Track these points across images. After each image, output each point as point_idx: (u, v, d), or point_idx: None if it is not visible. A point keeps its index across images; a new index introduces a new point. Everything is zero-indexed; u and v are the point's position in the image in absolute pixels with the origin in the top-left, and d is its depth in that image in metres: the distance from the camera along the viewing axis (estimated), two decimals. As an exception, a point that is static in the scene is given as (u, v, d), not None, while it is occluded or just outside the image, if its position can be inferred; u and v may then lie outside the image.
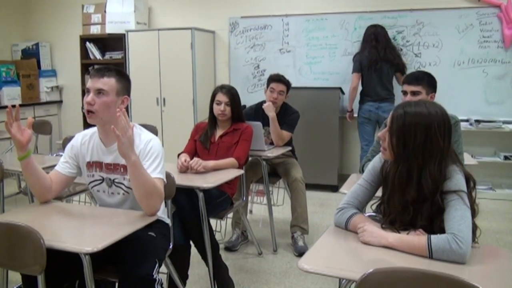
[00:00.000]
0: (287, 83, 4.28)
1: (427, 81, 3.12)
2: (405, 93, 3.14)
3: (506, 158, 5.67)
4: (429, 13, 5.87)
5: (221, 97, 3.65)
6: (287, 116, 4.26)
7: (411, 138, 1.91)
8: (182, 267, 3.06)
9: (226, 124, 3.71)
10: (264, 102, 4.25)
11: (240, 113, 3.76)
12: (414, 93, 3.07)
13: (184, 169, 3.33)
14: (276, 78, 4.27)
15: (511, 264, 1.81)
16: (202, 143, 3.64)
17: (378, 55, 5.55)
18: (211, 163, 3.38)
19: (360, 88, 5.75)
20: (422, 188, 1.92)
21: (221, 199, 3.44)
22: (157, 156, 2.44)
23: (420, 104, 1.98)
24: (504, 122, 5.57)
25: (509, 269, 1.78)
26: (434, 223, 1.91)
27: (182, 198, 3.00)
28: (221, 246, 4.10)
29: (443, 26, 5.84)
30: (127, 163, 2.28)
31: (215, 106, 3.67)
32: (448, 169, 1.93)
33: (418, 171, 1.92)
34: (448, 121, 1.94)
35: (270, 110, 4.11)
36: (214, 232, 3.92)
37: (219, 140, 3.65)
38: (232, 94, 3.68)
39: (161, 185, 2.39)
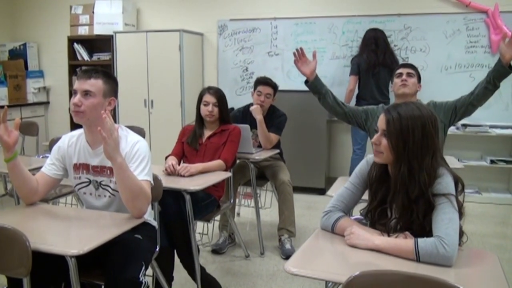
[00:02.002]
0: (274, 86, 4.29)
1: (417, 71, 3.47)
2: (400, 75, 3.40)
3: (492, 162, 5.71)
4: (416, 18, 5.90)
5: (208, 98, 3.66)
6: (274, 119, 4.27)
7: (410, 137, 1.93)
8: (166, 268, 3.04)
9: (214, 126, 3.71)
10: (251, 104, 4.25)
11: (227, 115, 3.76)
12: (409, 74, 3.38)
13: (170, 172, 3.32)
14: (263, 81, 4.28)
15: (496, 267, 1.82)
16: (189, 145, 3.64)
17: (377, 60, 5.54)
18: (199, 166, 3.37)
19: (356, 91, 5.76)
20: (420, 184, 1.94)
21: (206, 202, 3.42)
22: (143, 158, 2.43)
23: (409, 105, 2.01)
24: (491, 127, 5.62)
25: (494, 272, 1.79)
26: (426, 220, 1.93)
27: (166, 200, 2.98)
28: (208, 248, 4.11)
29: (431, 31, 5.88)
30: (113, 165, 2.27)
31: (202, 107, 3.67)
32: (438, 170, 1.96)
33: (418, 167, 1.94)
34: (436, 118, 1.99)
35: (257, 113, 4.12)
36: (201, 235, 3.92)
37: (207, 141, 3.65)
38: (219, 95, 3.69)
39: (148, 187, 2.38)
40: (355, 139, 5.73)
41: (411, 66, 3.46)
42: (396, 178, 1.99)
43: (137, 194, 2.29)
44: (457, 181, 2.00)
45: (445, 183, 1.93)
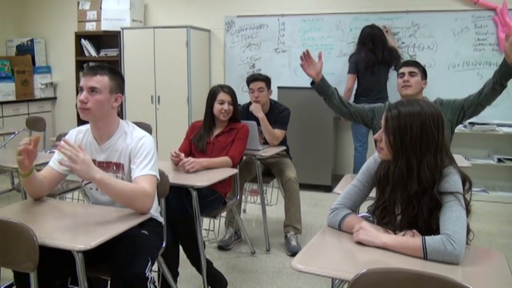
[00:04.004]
0: (264, 79, 4.29)
1: (422, 68, 3.37)
2: (402, 75, 3.32)
3: (499, 160, 5.68)
4: (424, 15, 5.88)
5: (224, 96, 3.65)
6: (277, 115, 4.26)
7: (407, 133, 1.94)
8: (171, 264, 3.04)
9: (223, 124, 3.71)
10: (250, 103, 4.27)
11: (238, 113, 3.77)
12: (411, 73, 3.29)
13: (177, 162, 3.33)
14: (252, 78, 4.31)
15: (503, 266, 1.81)
16: (196, 145, 3.63)
17: (376, 59, 5.53)
18: (204, 162, 3.37)
19: (354, 88, 5.75)
20: (422, 181, 1.94)
21: (211, 198, 3.41)
22: (148, 153, 2.43)
23: (413, 102, 2.02)
24: (498, 125, 5.59)
25: (501, 271, 1.78)
26: (433, 217, 1.94)
27: (170, 196, 2.98)
28: (214, 245, 4.11)
29: (439, 28, 5.85)
30: (94, 183, 2.27)
31: (217, 105, 3.65)
32: (445, 169, 1.96)
33: (417, 164, 1.95)
34: (441, 116, 1.99)
35: (258, 111, 4.12)
36: (207, 231, 3.93)
37: (215, 140, 3.64)
38: (233, 93, 3.71)
39: (150, 182, 2.37)
40: (356, 136, 5.73)
41: (414, 64, 3.40)
42: (394, 174, 2.00)
43: (131, 197, 2.28)
44: (465, 179, 2.00)
45: (453, 182, 1.93)
